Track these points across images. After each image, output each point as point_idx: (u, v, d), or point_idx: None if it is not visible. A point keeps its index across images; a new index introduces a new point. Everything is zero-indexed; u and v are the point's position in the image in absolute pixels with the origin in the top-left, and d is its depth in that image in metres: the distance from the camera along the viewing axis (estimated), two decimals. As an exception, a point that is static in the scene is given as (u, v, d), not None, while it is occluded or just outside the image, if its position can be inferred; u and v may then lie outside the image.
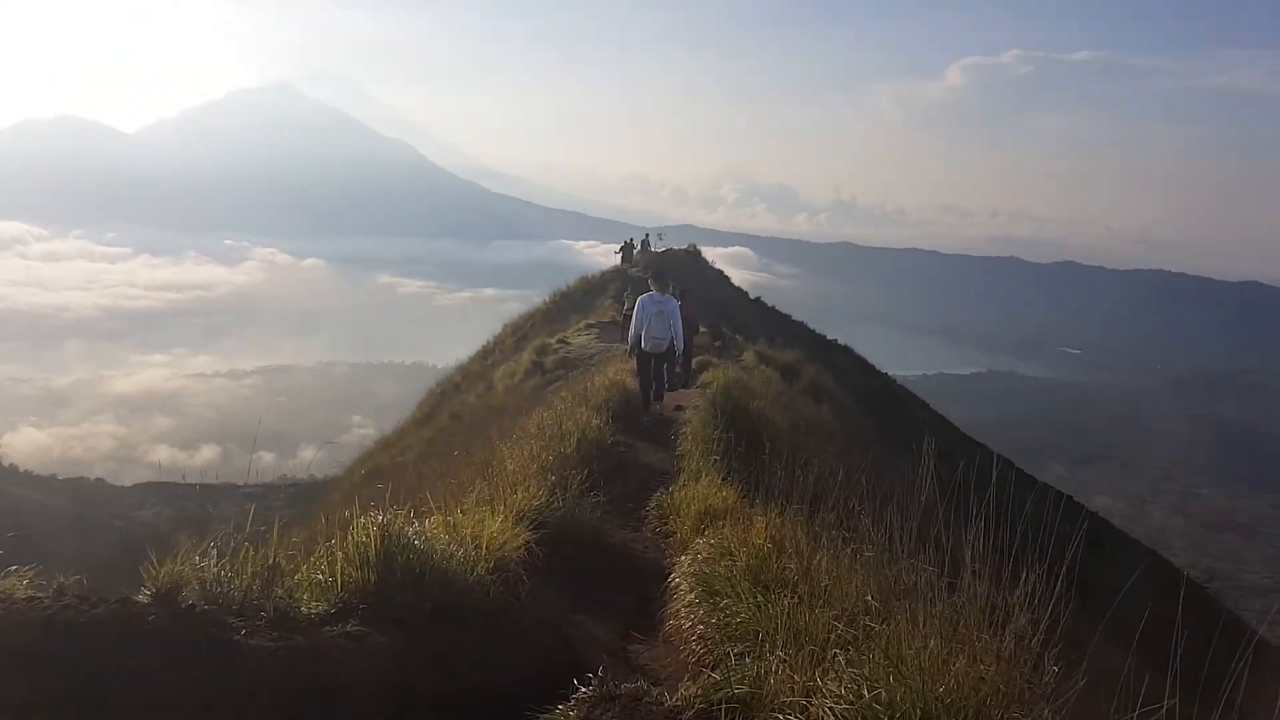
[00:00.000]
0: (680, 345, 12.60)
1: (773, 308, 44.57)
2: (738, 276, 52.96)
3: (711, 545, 4.90)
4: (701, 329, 19.15)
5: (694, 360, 15.61)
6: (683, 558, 5.07)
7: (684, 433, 9.34)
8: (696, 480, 6.81)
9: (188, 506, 41.26)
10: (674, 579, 4.91)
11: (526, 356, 21.58)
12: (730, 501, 5.76)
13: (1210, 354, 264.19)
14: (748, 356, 16.61)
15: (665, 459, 8.77)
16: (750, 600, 4.02)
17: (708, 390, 11.84)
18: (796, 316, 45.29)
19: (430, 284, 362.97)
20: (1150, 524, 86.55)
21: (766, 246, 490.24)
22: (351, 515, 3.77)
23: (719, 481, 6.44)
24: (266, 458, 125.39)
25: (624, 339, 14.20)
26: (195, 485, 46.56)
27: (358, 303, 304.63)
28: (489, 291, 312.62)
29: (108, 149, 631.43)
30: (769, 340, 24.33)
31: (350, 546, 3.65)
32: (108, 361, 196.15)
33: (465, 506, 4.80)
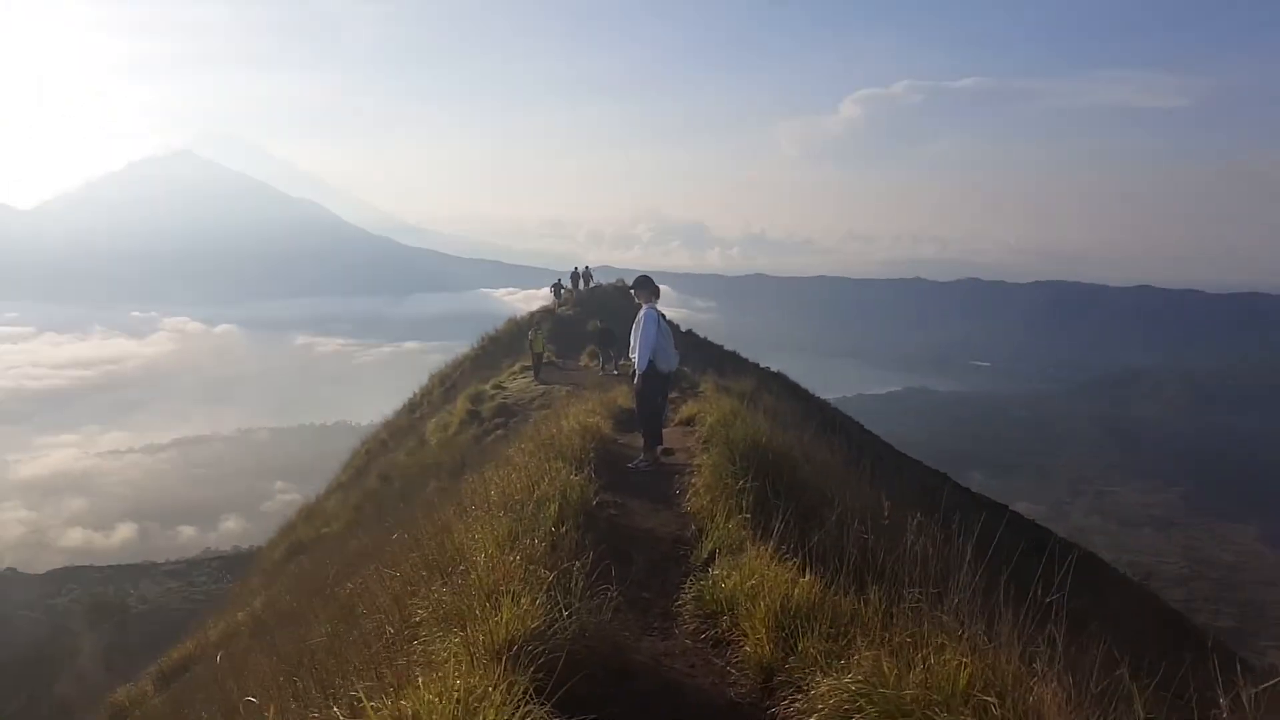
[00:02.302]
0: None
1: (705, 339, 43.88)
2: (659, 312, 51.96)
3: (858, 687, 3.10)
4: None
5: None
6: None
7: (690, 483, 7.46)
8: (736, 553, 5.11)
9: (105, 591, 39.04)
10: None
11: (461, 405, 19.68)
12: (814, 592, 4.06)
13: (1111, 358, 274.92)
14: (706, 386, 15.07)
15: (670, 521, 6.96)
16: None
17: (699, 426, 10.01)
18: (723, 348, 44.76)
19: (349, 341, 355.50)
20: (1070, 524, 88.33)
21: (683, 282, 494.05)
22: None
23: (769, 553, 4.72)
24: (188, 532, 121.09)
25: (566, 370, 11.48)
26: (111, 568, 44.96)
27: (274, 366, 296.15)
28: (410, 345, 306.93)
29: (4, 227, 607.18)
30: (716, 370, 22.94)
31: None
32: (12, 445, 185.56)
33: (425, 648, 3.09)
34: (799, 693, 3.45)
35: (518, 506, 5.50)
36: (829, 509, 5.08)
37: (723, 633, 4.36)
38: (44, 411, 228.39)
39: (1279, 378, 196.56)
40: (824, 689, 3.22)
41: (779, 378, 41.79)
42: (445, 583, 4.11)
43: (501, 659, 3.08)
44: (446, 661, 3.11)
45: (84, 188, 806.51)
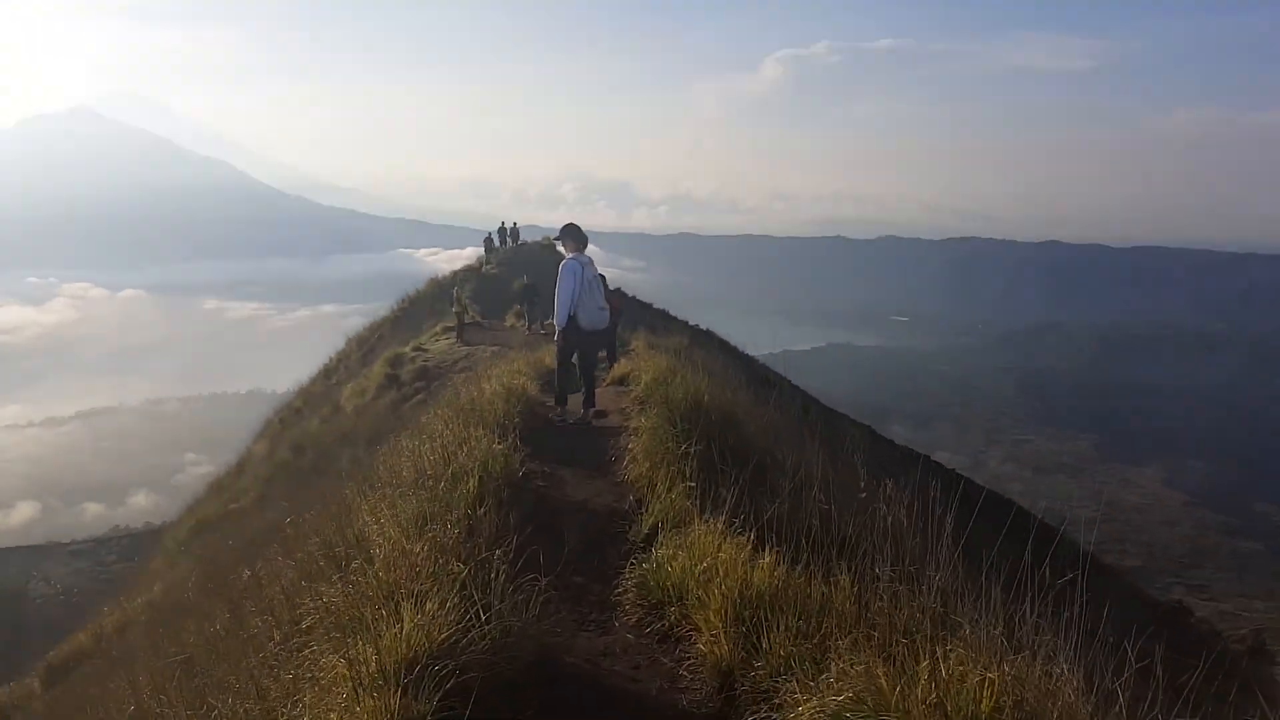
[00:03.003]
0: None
1: (634, 297, 43.60)
2: (588, 271, 51.39)
3: (849, 709, 2.47)
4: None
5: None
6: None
7: (627, 448, 6.75)
8: (682, 527, 4.51)
9: (8, 573, 37.33)
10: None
11: (379, 370, 18.73)
12: (776, 575, 3.47)
13: (1022, 311, 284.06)
14: (637, 344, 14.51)
15: (606, 491, 6.26)
16: None
17: (633, 386, 9.28)
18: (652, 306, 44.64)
19: (262, 305, 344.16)
20: (987, 473, 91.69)
21: (611, 241, 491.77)
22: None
23: (719, 528, 4.12)
24: (95, 509, 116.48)
25: (527, 322, 9.83)
26: (12, 550, 43.07)
27: (183, 333, 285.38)
28: (327, 308, 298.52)
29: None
30: (647, 329, 22.50)
31: None
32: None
33: (315, 662, 2.46)
34: (769, 707, 2.87)
35: (431, 482, 4.83)
36: (781, 474, 4.60)
37: (671, 626, 3.76)
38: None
39: (1178, 328, 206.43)
40: (805, 712, 2.62)
41: (709, 335, 41.86)
42: (339, 579, 3.45)
43: (399, 682, 2.47)
44: (332, 687, 2.49)
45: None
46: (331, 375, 26.43)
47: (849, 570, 3.40)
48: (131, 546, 40.33)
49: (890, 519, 3.45)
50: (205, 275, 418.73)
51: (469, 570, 3.39)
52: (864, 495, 3.76)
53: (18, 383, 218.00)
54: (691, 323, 42.65)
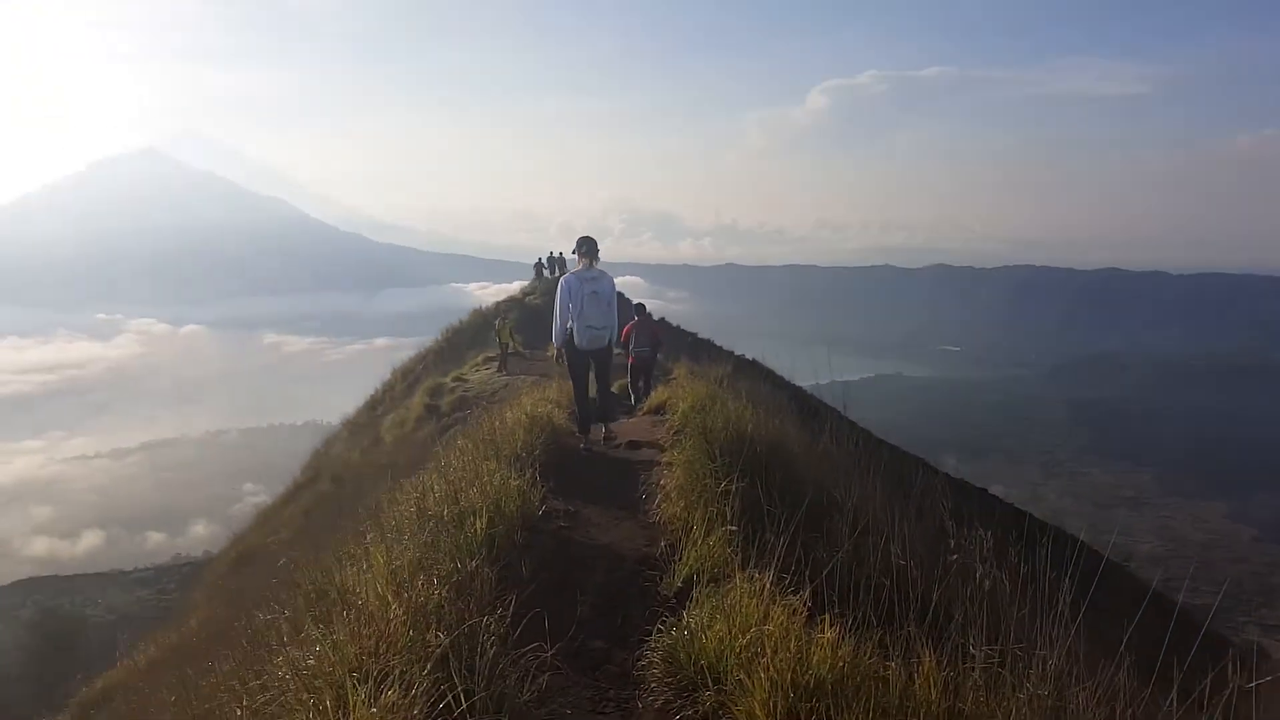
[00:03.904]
0: (615, 338, 9.30)
1: (678, 327, 43.26)
2: (633, 302, 51.53)
3: None
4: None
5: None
6: None
7: (660, 485, 6.00)
8: (721, 582, 3.82)
9: (62, 603, 37.80)
10: None
11: (418, 400, 18.36)
12: (841, 655, 2.72)
13: (1079, 340, 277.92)
14: (678, 371, 13.94)
15: (635, 534, 5.50)
16: None
17: (670, 414, 8.61)
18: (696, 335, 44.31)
19: (319, 339, 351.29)
20: (1046, 507, 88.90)
21: (655, 273, 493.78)
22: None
23: (766, 585, 3.38)
24: (156, 538, 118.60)
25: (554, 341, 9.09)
26: (78, 577, 43.90)
27: (243, 366, 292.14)
28: (381, 341, 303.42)
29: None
30: (689, 357, 21.89)
31: None
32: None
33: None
34: None
35: (433, 524, 4.22)
36: (840, 516, 3.92)
37: (705, 714, 2.98)
38: (6, 417, 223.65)
39: (1241, 356, 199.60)
40: None
41: (754, 364, 41.05)
42: (301, 647, 2.85)
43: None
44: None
45: (45, 189, 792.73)
46: (377, 406, 26.24)
47: (934, 647, 2.66)
48: (191, 575, 40.80)
49: (988, 582, 2.73)
50: (264, 310, 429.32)
51: (453, 639, 2.74)
52: (955, 556, 3.03)
53: (86, 415, 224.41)
54: (736, 352, 42.03)
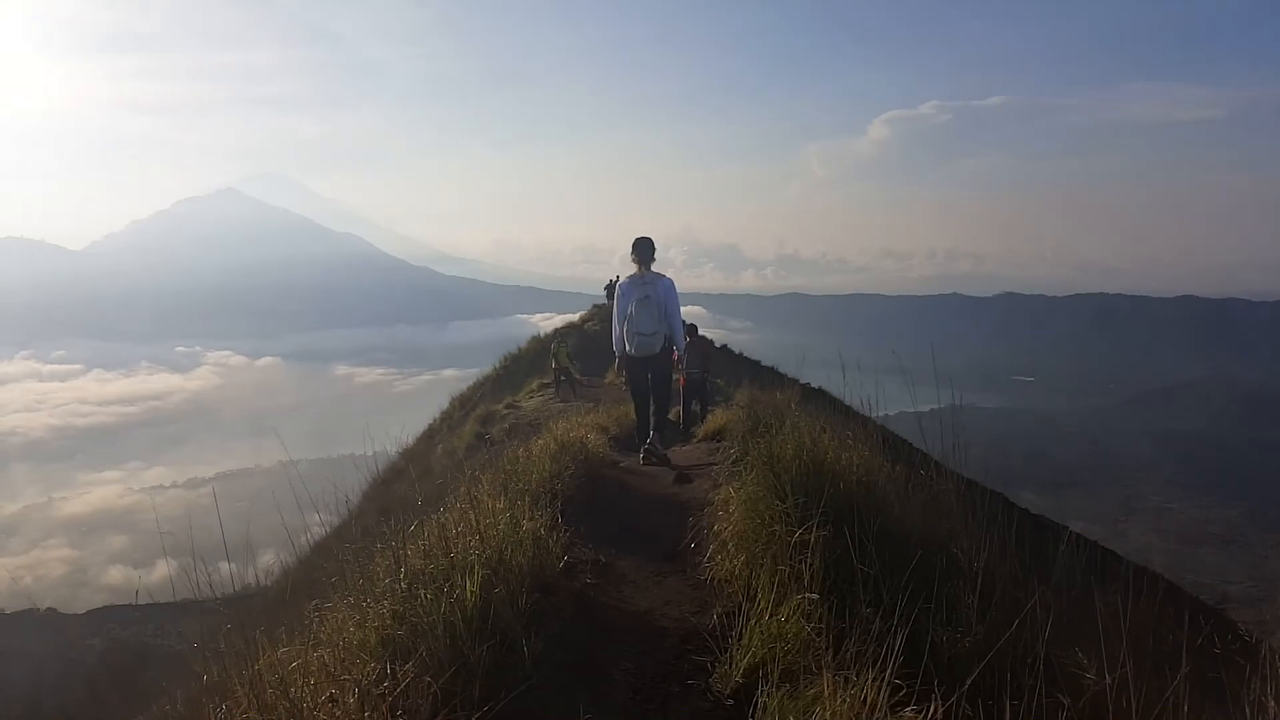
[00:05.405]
0: (681, 344, 8.84)
1: (740, 354, 42.78)
2: (696, 333, 51.75)
3: None
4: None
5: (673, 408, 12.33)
6: None
7: (714, 530, 4.84)
8: (797, 678, 2.92)
9: (145, 630, 38.49)
10: None
11: (469, 429, 18.24)
12: None
13: (1158, 370, 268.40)
14: (739, 396, 13.58)
15: (681, 597, 4.45)
16: None
17: (729, 441, 7.61)
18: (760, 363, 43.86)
19: (389, 371, 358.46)
20: (1128, 544, 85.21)
21: (718, 303, 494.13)
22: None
23: (869, 688, 2.51)
24: (226, 568, 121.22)
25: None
26: (152, 606, 44.66)
27: (316, 397, 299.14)
28: (449, 372, 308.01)
29: (55, 267, 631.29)
30: (754, 383, 21.48)
31: None
32: (58, 483, 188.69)
33: None
34: None
35: (409, 587, 3.49)
36: (965, 583, 3.16)
37: None
38: (90, 448, 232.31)
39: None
40: None
41: (821, 393, 40.11)
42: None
43: None
44: None
45: (132, 227, 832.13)
46: (434, 435, 26.32)
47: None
48: (255, 607, 41.37)
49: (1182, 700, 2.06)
50: (337, 343, 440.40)
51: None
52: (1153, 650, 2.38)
53: (164, 446, 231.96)
54: (802, 381, 41.26)
